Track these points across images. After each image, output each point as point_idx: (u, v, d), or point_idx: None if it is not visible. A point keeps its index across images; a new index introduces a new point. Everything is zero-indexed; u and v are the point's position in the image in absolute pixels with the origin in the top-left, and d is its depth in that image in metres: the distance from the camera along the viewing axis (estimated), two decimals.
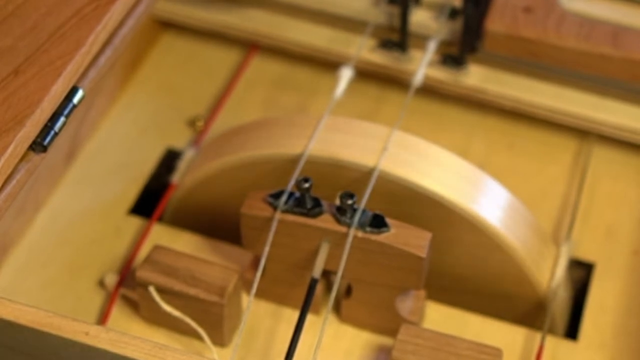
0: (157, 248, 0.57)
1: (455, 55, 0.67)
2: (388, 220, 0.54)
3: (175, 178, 0.65)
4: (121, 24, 0.57)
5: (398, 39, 0.68)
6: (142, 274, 0.56)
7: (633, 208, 0.66)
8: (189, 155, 0.66)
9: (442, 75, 0.68)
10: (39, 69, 0.52)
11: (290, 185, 0.56)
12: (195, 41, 0.76)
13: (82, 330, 0.48)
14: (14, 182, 0.50)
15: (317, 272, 0.55)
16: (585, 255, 0.63)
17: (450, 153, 0.59)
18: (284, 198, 0.55)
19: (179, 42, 0.76)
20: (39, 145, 0.51)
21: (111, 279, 0.60)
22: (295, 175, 0.56)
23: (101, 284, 0.61)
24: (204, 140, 0.68)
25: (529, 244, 0.59)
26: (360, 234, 0.54)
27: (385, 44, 0.68)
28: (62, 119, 0.52)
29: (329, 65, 0.69)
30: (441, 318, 0.59)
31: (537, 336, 0.59)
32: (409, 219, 0.55)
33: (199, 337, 0.57)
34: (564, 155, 0.69)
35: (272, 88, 0.72)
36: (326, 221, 0.55)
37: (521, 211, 0.59)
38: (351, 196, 0.54)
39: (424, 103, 0.70)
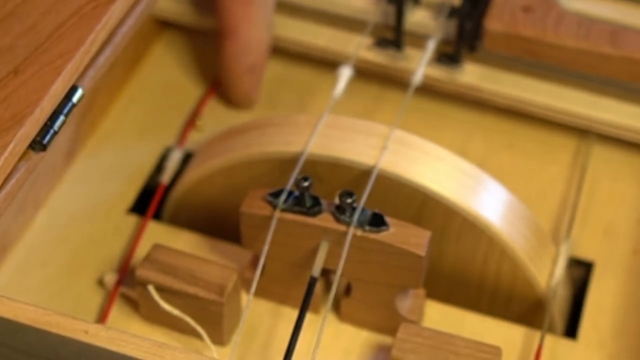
0: (156, 247, 0.58)
1: (451, 53, 0.67)
2: (387, 219, 0.54)
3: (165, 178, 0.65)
4: (121, 23, 0.57)
5: (393, 36, 0.68)
6: (142, 272, 0.56)
7: (632, 207, 0.66)
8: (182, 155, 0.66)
9: (439, 73, 0.68)
10: (38, 68, 0.52)
11: (290, 184, 0.56)
12: (195, 41, 0.76)
13: (82, 329, 0.48)
14: (13, 180, 0.50)
15: (316, 270, 0.55)
16: (585, 254, 0.63)
17: (449, 152, 0.59)
18: (283, 197, 0.55)
19: (179, 41, 0.76)
20: (38, 144, 0.51)
21: (110, 278, 0.60)
22: (295, 174, 0.57)
23: (100, 282, 0.61)
24: (204, 140, 0.68)
25: (528, 243, 0.59)
26: (359, 232, 0.54)
27: (380, 42, 0.68)
28: (62, 118, 0.52)
29: (329, 64, 0.69)
30: (440, 317, 0.59)
31: (537, 335, 0.59)
32: (408, 218, 0.55)
33: (198, 336, 0.57)
34: (563, 154, 0.69)
35: (271, 87, 0.72)
36: (325, 220, 0.55)
37: (520, 210, 0.59)
38: (350, 195, 0.54)
39: (424, 102, 0.70)
